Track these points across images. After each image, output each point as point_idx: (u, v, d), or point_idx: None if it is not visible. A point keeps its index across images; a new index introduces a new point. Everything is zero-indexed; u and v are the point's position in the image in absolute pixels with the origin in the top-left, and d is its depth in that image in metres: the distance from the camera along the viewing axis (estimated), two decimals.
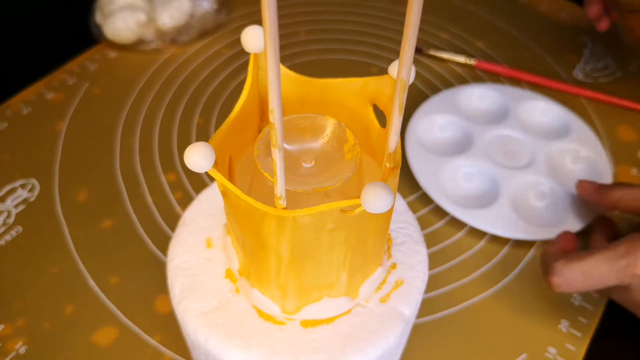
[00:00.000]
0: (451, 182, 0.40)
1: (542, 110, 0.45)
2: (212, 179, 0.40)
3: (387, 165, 0.19)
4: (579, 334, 0.33)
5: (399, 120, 0.17)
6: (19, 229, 0.37)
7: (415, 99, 0.46)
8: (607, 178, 0.40)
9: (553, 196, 0.39)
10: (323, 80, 0.22)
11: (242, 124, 0.21)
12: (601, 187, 0.35)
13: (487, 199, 0.39)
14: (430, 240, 0.37)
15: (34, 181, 0.40)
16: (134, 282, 0.34)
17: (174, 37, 0.50)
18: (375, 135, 0.22)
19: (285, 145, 0.20)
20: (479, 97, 0.46)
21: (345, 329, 0.23)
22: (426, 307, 0.34)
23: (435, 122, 0.44)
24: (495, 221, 0.37)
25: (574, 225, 0.37)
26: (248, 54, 0.28)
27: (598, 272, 0.28)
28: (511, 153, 0.42)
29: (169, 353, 0.31)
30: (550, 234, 0.36)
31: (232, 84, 0.48)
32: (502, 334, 0.33)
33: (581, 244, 0.37)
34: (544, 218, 0.38)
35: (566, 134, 0.43)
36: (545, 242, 0.37)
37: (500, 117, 0.44)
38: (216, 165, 0.18)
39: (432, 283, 0.35)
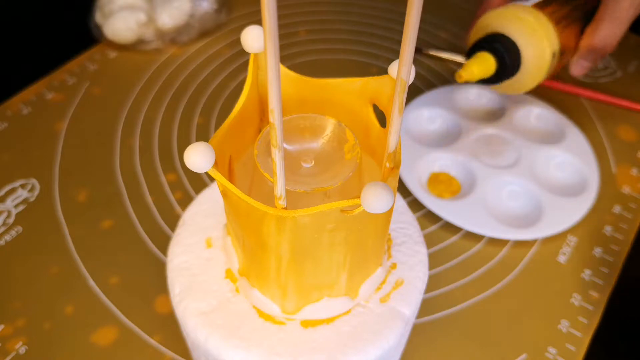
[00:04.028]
0: (426, 172, 0.40)
1: (537, 115, 0.45)
2: (212, 179, 0.40)
3: (387, 165, 0.19)
4: (579, 334, 0.33)
5: (399, 120, 0.17)
6: (19, 229, 0.37)
7: (412, 96, 0.46)
8: (592, 187, 0.39)
9: (528, 198, 0.39)
10: (323, 80, 0.22)
11: (242, 124, 0.21)
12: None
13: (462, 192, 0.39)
14: (430, 240, 0.37)
15: (34, 181, 0.40)
16: (134, 282, 0.34)
17: (174, 37, 0.50)
18: (375, 135, 0.22)
19: (285, 145, 0.20)
20: (475, 95, 0.46)
21: (345, 329, 0.23)
22: (426, 307, 0.34)
23: (424, 114, 0.44)
24: (468, 216, 0.37)
25: (555, 226, 0.37)
26: (248, 54, 0.28)
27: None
28: (497, 153, 0.42)
29: (169, 353, 0.31)
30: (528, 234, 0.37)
31: (232, 84, 0.48)
32: (502, 334, 0.33)
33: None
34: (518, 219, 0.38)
35: (559, 140, 0.42)
36: (521, 242, 0.37)
37: (493, 116, 0.44)
38: (216, 165, 0.18)
39: (432, 283, 0.35)
